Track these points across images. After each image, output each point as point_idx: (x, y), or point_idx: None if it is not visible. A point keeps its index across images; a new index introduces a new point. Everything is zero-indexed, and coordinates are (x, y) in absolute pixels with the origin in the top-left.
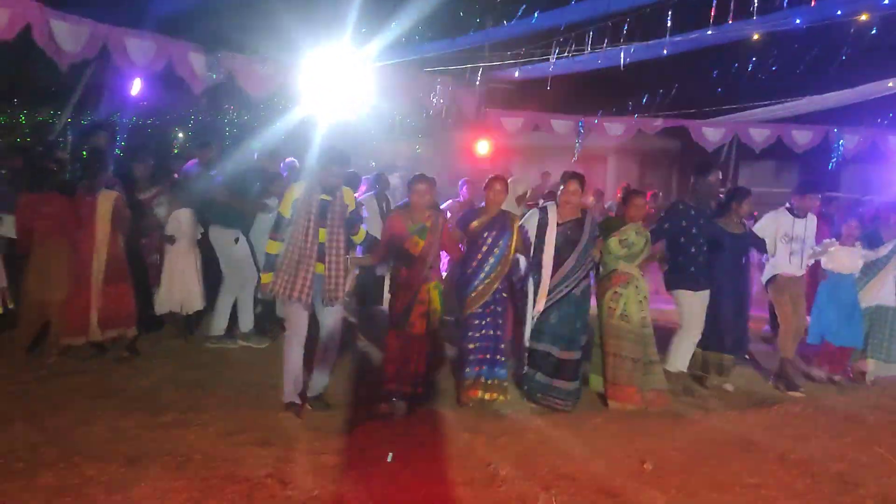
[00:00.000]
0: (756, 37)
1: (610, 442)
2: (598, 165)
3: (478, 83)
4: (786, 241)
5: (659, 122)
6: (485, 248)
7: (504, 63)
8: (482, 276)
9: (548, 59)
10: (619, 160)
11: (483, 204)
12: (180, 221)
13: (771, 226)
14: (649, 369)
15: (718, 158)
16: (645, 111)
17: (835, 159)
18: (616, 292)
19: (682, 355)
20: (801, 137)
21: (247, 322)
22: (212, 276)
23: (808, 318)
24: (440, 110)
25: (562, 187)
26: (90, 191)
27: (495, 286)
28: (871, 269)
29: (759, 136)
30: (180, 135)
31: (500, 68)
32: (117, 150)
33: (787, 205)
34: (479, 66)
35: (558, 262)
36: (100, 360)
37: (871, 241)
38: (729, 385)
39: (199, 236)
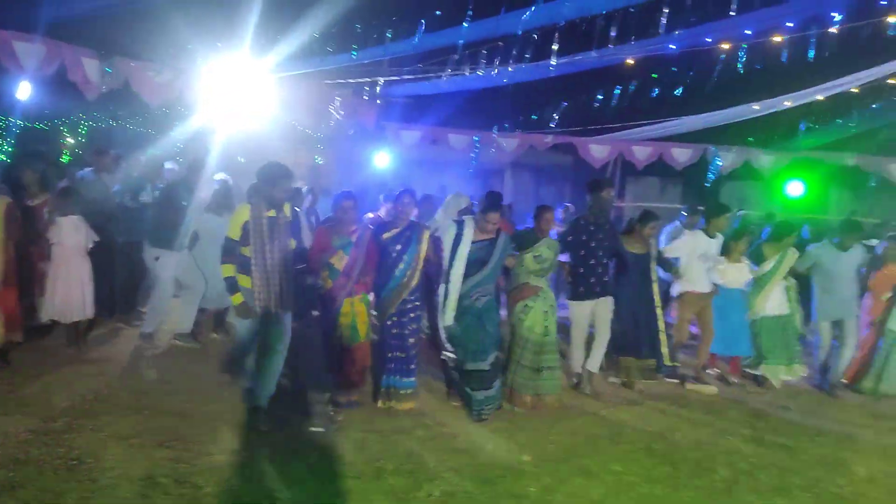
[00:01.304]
0: (632, 62)
1: (494, 438)
2: (495, 179)
3: (377, 97)
4: (702, 260)
5: (549, 139)
6: (392, 259)
7: (402, 78)
8: (391, 285)
9: (442, 77)
10: (515, 174)
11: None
12: (62, 228)
13: (688, 246)
14: (544, 375)
15: (605, 175)
16: (537, 128)
17: (712, 176)
18: (526, 305)
19: (594, 358)
20: (681, 155)
21: (186, 325)
22: None
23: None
24: (340, 122)
25: (482, 212)
26: None
27: (404, 295)
28: (758, 283)
29: (642, 153)
30: (70, 140)
31: (399, 83)
32: (3, 156)
33: (700, 225)
34: (378, 80)
35: (465, 278)
36: None
37: (756, 258)
38: (640, 386)
39: (91, 244)
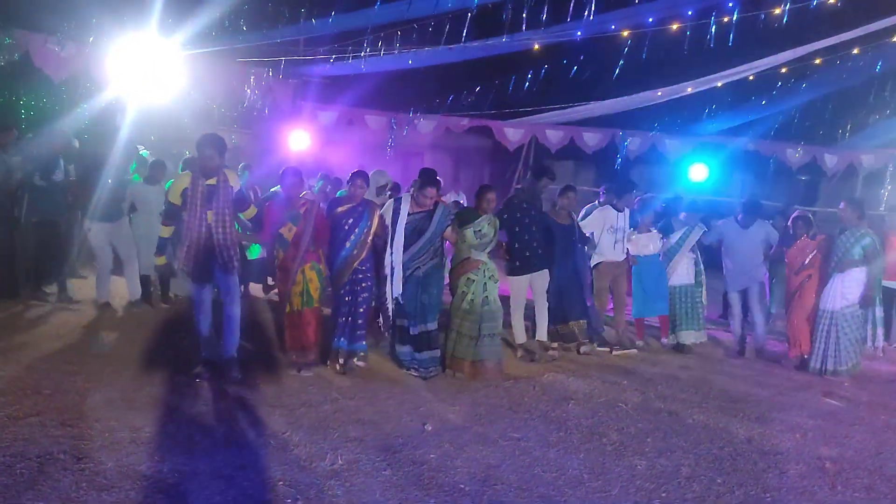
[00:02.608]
0: (542, 47)
1: (399, 409)
2: (414, 160)
3: (292, 76)
4: (611, 232)
5: (465, 122)
6: (344, 232)
7: (317, 57)
8: (343, 255)
9: (359, 56)
10: (434, 156)
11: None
12: None
13: (598, 220)
14: (485, 342)
15: (520, 157)
16: (454, 111)
17: (620, 159)
18: (469, 278)
19: (541, 327)
20: (591, 139)
21: (133, 293)
22: None
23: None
24: (255, 101)
25: (418, 187)
26: None
27: (353, 266)
28: (667, 256)
29: (555, 137)
30: None
31: (314, 63)
32: None
33: (611, 201)
34: (293, 59)
35: (406, 248)
36: None
37: (665, 232)
38: (586, 347)
39: None
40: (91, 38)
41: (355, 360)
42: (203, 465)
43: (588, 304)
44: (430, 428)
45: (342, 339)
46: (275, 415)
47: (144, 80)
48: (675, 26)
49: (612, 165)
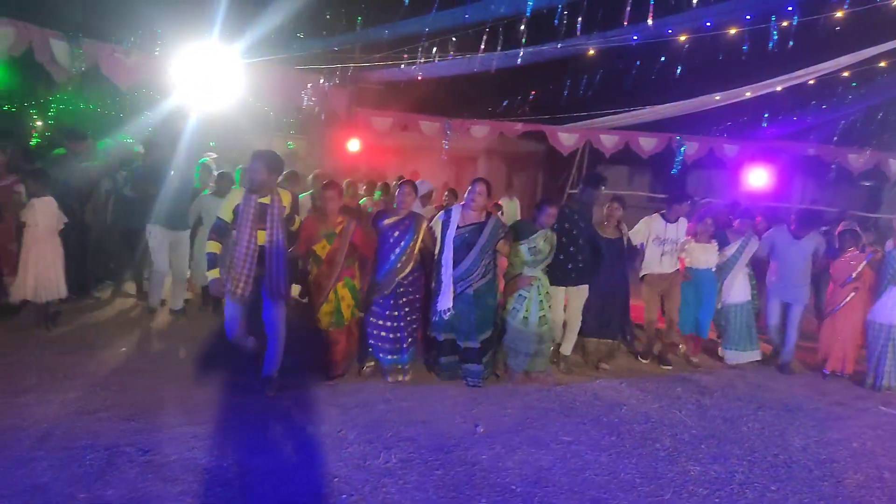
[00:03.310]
0: (597, 52)
1: (451, 411)
2: (468, 166)
3: (348, 83)
4: (658, 243)
5: (519, 126)
6: (389, 244)
7: (373, 65)
8: (387, 268)
9: (414, 63)
10: (489, 161)
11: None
12: (35, 210)
13: (643, 230)
14: (536, 357)
15: (573, 162)
16: (507, 115)
17: (678, 164)
18: (521, 295)
19: (567, 343)
20: (647, 144)
21: (177, 303)
22: None
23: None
24: (311, 108)
25: (469, 191)
26: None
27: (398, 279)
28: (723, 270)
29: (609, 141)
30: (39, 123)
31: (370, 69)
32: None
33: (662, 211)
34: (350, 66)
35: (456, 263)
36: None
37: (719, 243)
38: (606, 365)
39: (62, 226)
40: (158, 47)
41: (399, 375)
42: (261, 461)
43: (627, 320)
44: (482, 430)
45: (383, 353)
46: (330, 414)
47: (205, 87)
48: (732, 31)
49: (668, 170)
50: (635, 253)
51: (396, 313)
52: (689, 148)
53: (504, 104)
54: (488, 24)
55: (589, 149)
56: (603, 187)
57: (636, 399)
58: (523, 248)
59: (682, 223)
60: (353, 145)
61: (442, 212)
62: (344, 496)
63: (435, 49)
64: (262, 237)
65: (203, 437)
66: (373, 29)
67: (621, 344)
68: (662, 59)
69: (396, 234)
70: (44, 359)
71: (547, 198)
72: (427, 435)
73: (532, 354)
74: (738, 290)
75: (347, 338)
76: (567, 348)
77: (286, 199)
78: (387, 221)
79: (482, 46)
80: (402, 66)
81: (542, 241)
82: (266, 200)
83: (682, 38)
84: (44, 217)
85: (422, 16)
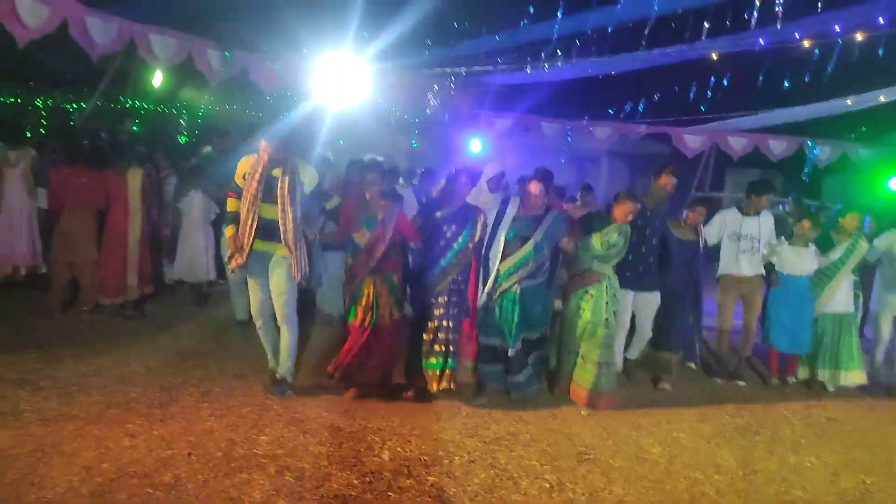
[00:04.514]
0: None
1: (558, 397)
2: (592, 167)
3: (471, 86)
4: (734, 239)
5: (642, 128)
6: (444, 240)
7: (496, 69)
8: (442, 265)
9: (537, 67)
10: (612, 162)
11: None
12: (192, 200)
13: (717, 225)
14: (603, 370)
15: (699, 165)
16: (631, 117)
17: (808, 169)
18: (587, 292)
19: (634, 348)
20: (777, 147)
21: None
22: None
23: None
24: (436, 109)
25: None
26: (120, 169)
27: (451, 277)
28: (824, 276)
29: (737, 144)
30: (183, 122)
31: (493, 73)
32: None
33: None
34: (473, 70)
35: (504, 256)
36: (119, 316)
37: (822, 247)
38: (666, 384)
39: (214, 216)
40: (298, 55)
41: (447, 382)
42: (384, 424)
43: (695, 333)
44: (585, 413)
45: (436, 358)
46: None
47: (339, 90)
48: (859, 36)
49: (799, 174)
50: (712, 258)
51: (446, 313)
52: (822, 152)
53: (627, 106)
54: (611, 30)
55: (716, 151)
56: (668, 175)
57: (743, 396)
58: (595, 239)
59: (767, 219)
60: (475, 146)
61: (499, 201)
62: (457, 458)
63: (558, 52)
64: (271, 212)
65: (335, 402)
66: (497, 35)
67: (684, 359)
68: (791, 62)
69: (453, 227)
70: (197, 330)
71: (626, 192)
72: (534, 413)
73: (598, 364)
74: (840, 298)
75: (381, 342)
76: (633, 353)
77: (306, 174)
78: (439, 213)
79: (603, 50)
80: (528, 69)
81: (615, 235)
82: (277, 173)
83: (807, 43)
84: (198, 207)
85: (545, 21)
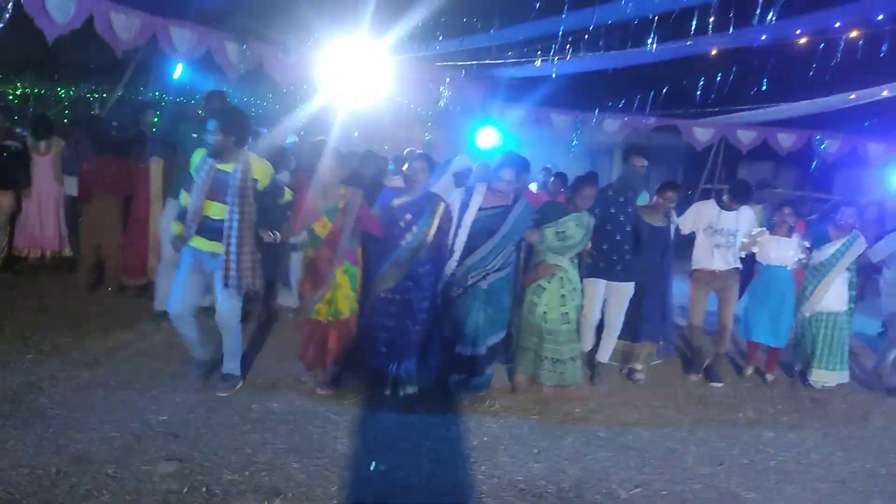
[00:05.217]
0: (728, 50)
1: None
2: (603, 159)
3: (482, 78)
4: (709, 233)
5: (651, 121)
6: (399, 230)
7: (507, 62)
8: (394, 258)
9: (547, 60)
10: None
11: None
12: None
13: (691, 216)
14: (568, 366)
15: (708, 158)
16: (640, 110)
17: (816, 162)
18: (539, 286)
19: (605, 349)
20: (785, 140)
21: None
22: None
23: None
24: (449, 101)
25: (496, 168)
26: (143, 158)
27: (406, 270)
28: (816, 273)
29: (746, 137)
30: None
31: (504, 66)
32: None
33: (719, 197)
34: (485, 63)
35: (469, 250)
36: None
37: (817, 241)
38: (641, 374)
39: None
40: (314, 47)
41: (406, 386)
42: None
43: (668, 321)
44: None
45: (385, 360)
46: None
47: (354, 83)
48: (855, 33)
49: (808, 168)
50: (685, 244)
51: (405, 310)
52: (830, 146)
53: (637, 99)
54: (618, 24)
55: (725, 144)
56: (639, 157)
57: (732, 377)
58: (549, 231)
59: (746, 214)
60: (486, 136)
61: (463, 190)
62: (453, 426)
63: (568, 46)
64: (217, 211)
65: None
66: (508, 29)
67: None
68: (797, 56)
69: (408, 217)
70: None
71: (585, 177)
72: (529, 394)
73: (560, 362)
74: (832, 296)
75: (342, 336)
76: (604, 355)
77: (259, 170)
78: (396, 202)
79: (612, 45)
80: (538, 63)
81: (573, 226)
82: (227, 168)
83: (804, 40)
84: None
85: (554, 16)
